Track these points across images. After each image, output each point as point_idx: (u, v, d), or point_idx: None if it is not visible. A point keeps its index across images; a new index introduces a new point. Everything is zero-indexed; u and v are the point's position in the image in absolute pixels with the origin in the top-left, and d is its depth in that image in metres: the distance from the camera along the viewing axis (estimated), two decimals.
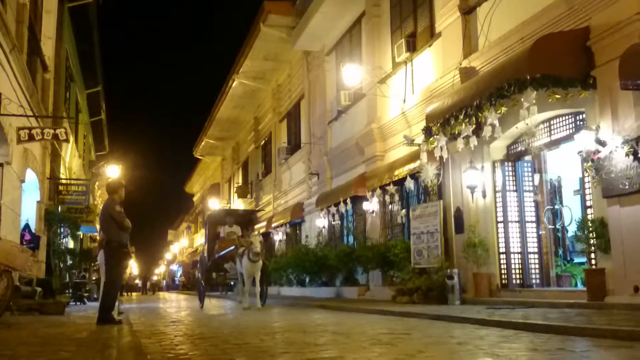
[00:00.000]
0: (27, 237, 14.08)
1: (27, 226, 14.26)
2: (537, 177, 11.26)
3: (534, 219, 11.17)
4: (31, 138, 12.17)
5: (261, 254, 12.67)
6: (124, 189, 8.84)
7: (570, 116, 9.74)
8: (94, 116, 27.60)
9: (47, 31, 16.13)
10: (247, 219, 16.46)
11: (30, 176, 14.38)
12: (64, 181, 19.04)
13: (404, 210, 14.17)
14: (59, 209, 17.75)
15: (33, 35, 13.89)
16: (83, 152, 26.88)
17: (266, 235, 25.98)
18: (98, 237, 13.69)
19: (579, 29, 8.87)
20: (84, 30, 20.06)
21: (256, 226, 21.06)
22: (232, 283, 17.76)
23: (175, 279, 63.96)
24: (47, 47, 16.06)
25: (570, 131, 9.63)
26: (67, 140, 14.04)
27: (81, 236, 24.81)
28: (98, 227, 12.07)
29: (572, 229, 10.51)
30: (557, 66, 8.62)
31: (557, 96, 8.67)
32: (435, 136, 10.97)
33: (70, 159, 21.91)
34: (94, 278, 20.48)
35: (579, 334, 5.71)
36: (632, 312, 7.28)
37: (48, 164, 16.85)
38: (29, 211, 14.73)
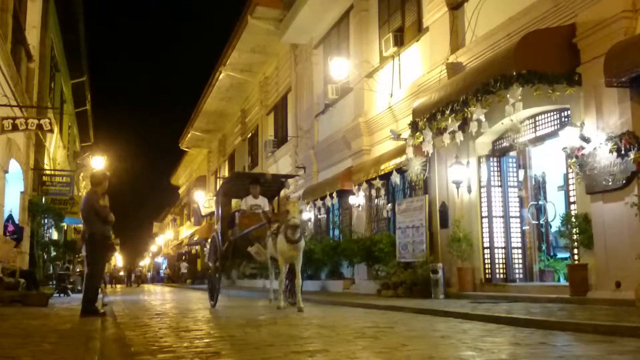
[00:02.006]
0: (11, 228, 13.95)
1: (10, 217, 14.13)
2: (521, 172, 11.35)
3: (518, 214, 11.25)
4: (15, 128, 12.06)
5: (303, 230, 9.92)
6: (108, 181, 8.77)
7: (555, 112, 9.81)
8: (78, 107, 27.34)
9: (32, 20, 15.94)
10: (277, 188, 12.08)
11: (14, 167, 14.24)
12: (48, 172, 18.87)
13: (389, 205, 14.22)
14: (43, 200, 17.60)
15: (17, 24, 13.74)
16: (68, 142, 26.64)
17: None
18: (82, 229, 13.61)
19: (565, 26, 8.93)
20: (69, 19, 19.85)
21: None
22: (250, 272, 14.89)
23: (160, 271, 63.74)
24: (32, 36, 15.88)
25: (555, 127, 9.70)
26: (51, 131, 13.94)
27: (65, 227, 24.63)
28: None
29: (555, 225, 10.60)
30: (543, 62, 8.68)
31: (541, 91, 8.73)
32: (421, 131, 11.01)
33: (55, 149, 21.72)
34: (77, 270, 20.36)
35: (561, 329, 5.77)
36: (614, 307, 7.37)
37: (32, 155, 16.69)
38: (13, 202, 14.59)
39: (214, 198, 13.04)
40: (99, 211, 8.18)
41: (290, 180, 21.43)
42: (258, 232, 10.23)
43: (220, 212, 11.63)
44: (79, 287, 17.63)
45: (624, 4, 8.06)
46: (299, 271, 9.53)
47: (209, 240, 31.02)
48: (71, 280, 18.33)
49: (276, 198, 12.19)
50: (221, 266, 11.09)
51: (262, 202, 11.03)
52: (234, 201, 13.58)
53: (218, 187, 12.85)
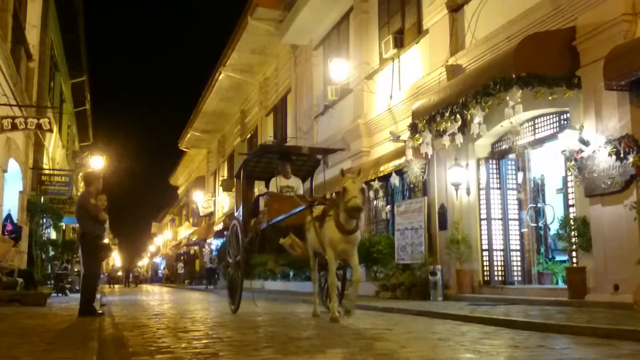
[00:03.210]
0: (9, 227, 13.93)
1: (9, 216, 14.11)
2: (520, 175, 11.36)
3: (516, 216, 11.25)
4: (14, 127, 12.06)
5: (361, 216, 7.30)
6: (101, 181, 8.73)
7: (554, 115, 9.81)
8: (78, 106, 27.33)
9: (31, 19, 15.94)
10: (312, 165, 9.87)
11: (13, 166, 14.23)
12: (47, 171, 18.86)
13: (388, 206, 14.21)
14: (42, 199, 17.59)
15: (17, 24, 13.73)
16: (67, 142, 26.63)
17: None
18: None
19: (565, 29, 8.93)
20: (69, 19, 19.84)
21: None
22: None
23: (159, 271, 63.70)
24: (32, 35, 15.87)
25: (555, 130, 9.71)
26: (50, 130, 13.93)
27: (64, 227, 24.61)
28: None
29: (554, 227, 10.60)
30: (542, 65, 8.68)
31: (541, 93, 8.73)
32: (421, 133, 11.01)
33: (54, 149, 21.71)
34: (76, 269, 20.34)
35: (559, 332, 5.77)
36: (612, 310, 7.37)
37: (31, 154, 16.68)
38: (11, 201, 14.58)
39: (234, 180, 10.43)
40: (89, 210, 8.15)
41: None
42: (293, 220, 8.25)
43: (242, 193, 9.82)
44: (77, 287, 17.62)
45: (624, 7, 8.07)
46: (357, 268, 7.59)
47: (217, 235, 30.71)
48: (69, 279, 18.32)
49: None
50: (245, 261, 8.99)
51: (295, 182, 9.27)
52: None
53: (238, 166, 9.91)
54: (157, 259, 68.80)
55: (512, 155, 11.20)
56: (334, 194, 8.38)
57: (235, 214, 10.34)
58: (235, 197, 10.49)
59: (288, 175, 9.22)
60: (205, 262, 33.04)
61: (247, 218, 9.37)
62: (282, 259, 9.73)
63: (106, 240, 8.85)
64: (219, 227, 31.13)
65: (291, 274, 19.07)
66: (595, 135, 8.31)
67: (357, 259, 7.64)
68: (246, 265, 9.20)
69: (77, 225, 8.90)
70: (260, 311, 9.82)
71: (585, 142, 8.44)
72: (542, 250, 11.23)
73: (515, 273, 11.05)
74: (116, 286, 42.99)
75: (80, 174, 29.56)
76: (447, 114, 10.07)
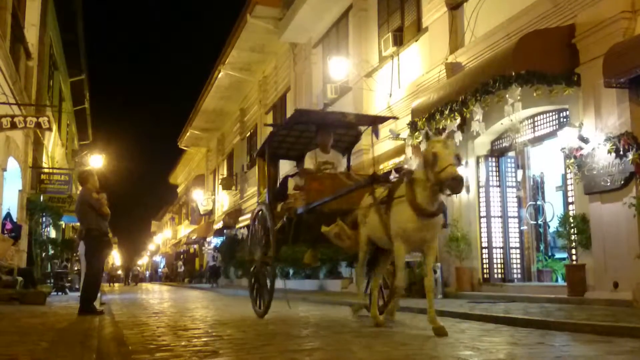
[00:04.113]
0: (9, 226, 13.93)
1: (8, 215, 14.11)
2: (520, 172, 11.36)
3: (516, 214, 11.26)
4: (13, 126, 12.05)
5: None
6: (96, 177, 8.73)
7: (554, 113, 9.81)
8: (77, 105, 27.32)
9: (30, 18, 15.92)
10: (352, 138, 8.33)
11: (12, 165, 14.23)
12: (46, 170, 18.86)
13: None
14: (41, 198, 17.58)
15: (16, 22, 13.72)
16: (66, 141, 26.63)
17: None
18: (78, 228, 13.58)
19: (564, 27, 8.93)
20: (68, 17, 19.83)
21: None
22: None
23: (158, 270, 63.73)
24: (31, 34, 15.86)
25: (554, 128, 9.71)
26: (49, 129, 13.93)
27: (63, 226, 24.62)
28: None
29: (553, 225, 10.61)
30: (542, 63, 8.68)
31: (540, 91, 8.74)
32: (420, 131, 11.01)
33: (53, 147, 21.70)
34: (75, 268, 20.34)
35: (558, 329, 5.77)
36: (612, 307, 7.38)
37: (30, 153, 16.68)
38: (11, 200, 14.58)
39: (256, 160, 8.63)
40: (92, 204, 8.16)
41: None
42: (339, 204, 6.83)
43: (268, 172, 8.16)
44: (77, 286, 17.63)
45: (623, 5, 8.07)
46: (431, 264, 5.88)
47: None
48: (69, 278, 18.32)
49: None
50: (276, 255, 7.46)
51: (336, 158, 7.72)
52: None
53: (263, 140, 8.49)
54: (157, 258, 68.81)
55: (511, 153, 11.20)
56: (393, 170, 7.27)
57: (258, 199, 8.95)
58: (258, 180, 8.62)
59: (328, 148, 7.61)
60: (209, 261, 33.00)
61: (273, 204, 7.79)
62: (320, 251, 8.15)
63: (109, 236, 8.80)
64: (218, 225, 31.13)
65: (291, 272, 19.08)
66: (594, 132, 8.31)
67: (436, 251, 6.10)
68: (277, 259, 7.68)
69: (79, 223, 8.86)
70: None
71: (584, 140, 8.44)
72: (542, 247, 11.24)
73: (514, 271, 11.06)
74: (116, 285, 43.00)
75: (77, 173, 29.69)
76: (446, 112, 10.07)
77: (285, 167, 9.81)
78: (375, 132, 7.99)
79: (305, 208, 7.02)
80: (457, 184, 5.27)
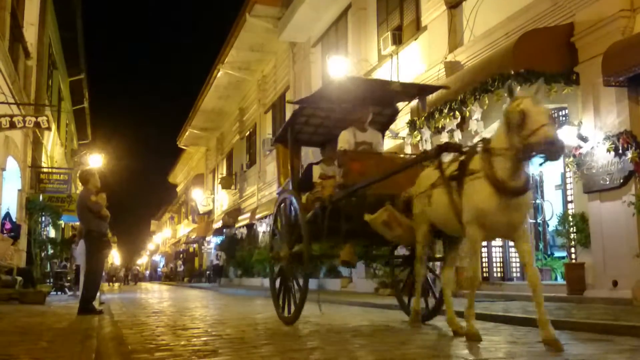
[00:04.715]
0: (8, 225, 13.92)
1: (7, 215, 14.10)
2: None
3: None
4: (12, 126, 12.04)
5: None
6: (97, 177, 8.73)
7: (553, 111, 9.81)
8: (76, 104, 27.30)
9: (29, 17, 15.91)
10: (390, 114, 7.26)
11: (12, 164, 14.22)
12: (45, 170, 18.85)
13: None
14: (41, 197, 17.57)
15: (15, 22, 13.71)
16: (65, 140, 26.61)
17: (250, 227, 25.98)
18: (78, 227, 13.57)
19: (563, 25, 8.93)
20: (67, 16, 19.81)
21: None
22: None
23: (158, 269, 63.74)
24: (30, 33, 15.84)
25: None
26: (49, 129, 13.92)
27: (62, 225, 24.60)
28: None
29: (552, 224, 10.61)
30: (541, 62, 8.68)
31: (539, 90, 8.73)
32: (419, 130, 11.00)
33: (52, 147, 21.69)
34: (75, 267, 20.30)
35: (558, 327, 5.73)
36: (611, 306, 7.38)
37: (30, 152, 16.67)
38: (10, 200, 14.58)
39: (275, 146, 7.69)
40: (90, 207, 8.17)
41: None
42: (385, 188, 5.85)
43: (287, 166, 7.14)
44: (66, 283, 17.53)
45: (622, 3, 8.07)
46: (530, 254, 4.85)
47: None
48: (68, 278, 18.30)
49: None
50: (309, 250, 6.30)
51: (374, 137, 6.73)
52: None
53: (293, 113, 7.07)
54: (157, 257, 68.81)
55: None
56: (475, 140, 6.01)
57: (277, 190, 7.83)
58: (277, 169, 7.53)
59: (365, 126, 6.61)
60: (212, 260, 32.96)
61: (297, 188, 6.84)
62: (359, 245, 7.02)
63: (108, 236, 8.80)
64: (218, 224, 31.13)
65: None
66: (593, 131, 8.32)
67: (528, 237, 4.97)
68: (310, 256, 6.41)
69: (79, 223, 8.87)
70: (260, 309, 9.82)
71: (583, 138, 8.45)
72: (541, 246, 11.24)
73: (514, 269, 11.06)
74: (115, 284, 43.01)
75: (79, 171, 29.68)
76: (445, 111, 10.08)
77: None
78: (423, 104, 7.21)
79: (345, 193, 6.01)
80: (555, 148, 4.22)
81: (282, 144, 7.36)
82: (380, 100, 6.72)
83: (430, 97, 10.67)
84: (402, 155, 6.75)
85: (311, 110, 6.91)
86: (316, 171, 7.32)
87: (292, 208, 6.68)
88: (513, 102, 4.49)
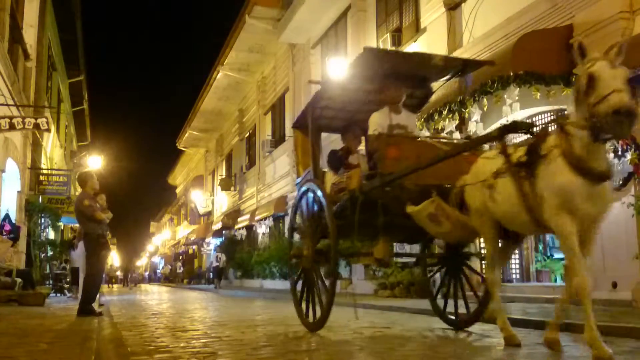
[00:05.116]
0: (7, 227, 13.92)
1: (7, 216, 14.10)
2: None
3: None
4: (12, 127, 12.04)
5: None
6: (95, 178, 8.73)
7: (552, 113, 9.82)
8: (76, 106, 27.32)
9: (29, 19, 15.92)
10: (423, 94, 6.54)
11: (11, 166, 14.22)
12: (45, 171, 18.86)
13: None
14: (40, 199, 17.57)
15: (15, 23, 13.72)
16: (65, 142, 26.62)
17: (249, 228, 25.98)
18: (77, 229, 13.56)
19: (563, 27, 8.94)
20: (67, 18, 19.82)
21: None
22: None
23: (157, 271, 63.71)
24: (29, 35, 15.86)
25: (552, 128, 9.70)
26: (48, 130, 13.92)
27: (62, 227, 24.60)
28: None
29: None
30: (540, 63, 8.68)
31: (539, 93, 8.74)
32: (418, 131, 10.99)
33: (52, 149, 21.69)
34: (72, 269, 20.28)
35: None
36: (611, 307, 7.38)
37: (29, 154, 16.67)
38: (9, 201, 14.57)
39: (293, 132, 7.05)
40: (82, 211, 8.20)
41: (288, 180, 21.67)
42: (431, 177, 5.16)
43: (307, 154, 6.54)
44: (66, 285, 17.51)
45: (621, 5, 8.08)
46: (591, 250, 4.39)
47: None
48: (68, 279, 18.29)
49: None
50: (336, 247, 5.66)
51: (409, 120, 6.01)
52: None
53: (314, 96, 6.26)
54: (156, 259, 68.79)
55: None
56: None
57: (297, 180, 6.99)
58: (296, 157, 6.99)
59: (399, 107, 5.93)
60: (212, 261, 32.95)
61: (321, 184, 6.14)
62: (393, 241, 6.43)
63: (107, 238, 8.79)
64: (217, 226, 31.12)
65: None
66: None
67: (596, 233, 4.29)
68: (338, 254, 5.83)
69: (78, 225, 8.91)
70: (259, 311, 9.82)
71: None
72: (540, 248, 11.24)
73: (513, 271, 11.06)
74: (115, 286, 42.98)
75: (78, 173, 29.69)
76: (445, 112, 10.08)
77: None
78: (467, 81, 6.57)
79: (380, 182, 5.31)
80: (625, 120, 3.37)
81: (301, 130, 6.74)
82: (414, 79, 6.00)
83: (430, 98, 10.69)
84: (447, 140, 5.98)
85: (336, 91, 6.25)
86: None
87: (316, 200, 5.94)
88: (584, 65, 3.87)
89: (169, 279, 49.77)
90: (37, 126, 12.69)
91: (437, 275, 6.72)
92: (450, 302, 6.24)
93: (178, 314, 9.74)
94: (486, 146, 5.34)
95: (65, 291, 16.71)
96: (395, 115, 5.83)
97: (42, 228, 17.92)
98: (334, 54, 16.59)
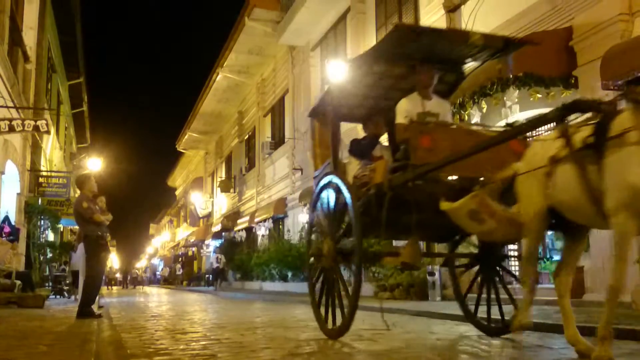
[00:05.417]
0: (7, 229, 13.91)
1: (6, 218, 14.09)
2: None
3: None
4: (11, 129, 12.04)
5: None
6: (93, 180, 8.73)
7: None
8: (75, 108, 27.31)
9: (29, 21, 15.92)
10: (456, 81, 6.03)
11: (11, 168, 14.22)
12: (44, 173, 18.84)
13: None
14: (40, 201, 17.56)
15: (14, 25, 13.72)
16: (64, 144, 26.62)
17: (249, 230, 25.97)
18: (77, 231, 13.56)
19: (562, 29, 8.95)
20: (67, 20, 19.82)
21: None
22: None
23: (157, 272, 63.68)
24: (29, 37, 15.86)
25: (551, 130, 9.71)
26: (48, 132, 13.91)
27: (61, 229, 24.58)
28: None
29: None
30: (539, 65, 8.69)
31: (538, 95, 8.74)
32: None
33: (51, 150, 21.68)
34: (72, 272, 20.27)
35: (557, 331, 5.76)
36: None
37: (28, 156, 16.66)
38: (9, 203, 14.57)
39: (310, 122, 6.66)
40: (81, 213, 8.20)
41: (287, 182, 21.69)
42: (469, 170, 4.74)
43: (327, 144, 6.02)
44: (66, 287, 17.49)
45: (620, 7, 8.09)
46: None
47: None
48: (67, 282, 18.27)
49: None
50: (361, 247, 5.14)
51: (441, 107, 5.47)
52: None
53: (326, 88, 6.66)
54: (155, 261, 68.76)
55: None
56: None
57: (318, 172, 6.35)
58: (313, 148, 6.49)
59: (429, 92, 5.40)
60: (212, 263, 32.91)
61: (334, 160, 5.74)
62: (422, 241, 6.01)
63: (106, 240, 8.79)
64: (217, 228, 31.12)
65: (289, 275, 19.05)
66: None
67: None
68: (363, 253, 5.34)
69: (77, 227, 8.92)
70: (259, 313, 9.81)
71: None
72: (540, 250, 11.21)
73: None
74: (114, 288, 42.95)
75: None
76: None
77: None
78: (505, 61, 5.81)
79: (413, 175, 4.77)
80: None
81: (319, 120, 6.21)
82: (447, 60, 5.40)
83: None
84: (487, 128, 5.44)
85: (359, 76, 5.66)
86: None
87: (338, 194, 5.36)
88: None
89: (169, 281, 49.75)
90: (36, 128, 12.68)
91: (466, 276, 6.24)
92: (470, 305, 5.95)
93: (177, 316, 9.73)
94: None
95: (65, 293, 16.69)
96: (426, 102, 5.31)
97: (42, 230, 17.91)
98: (334, 57, 16.61)
